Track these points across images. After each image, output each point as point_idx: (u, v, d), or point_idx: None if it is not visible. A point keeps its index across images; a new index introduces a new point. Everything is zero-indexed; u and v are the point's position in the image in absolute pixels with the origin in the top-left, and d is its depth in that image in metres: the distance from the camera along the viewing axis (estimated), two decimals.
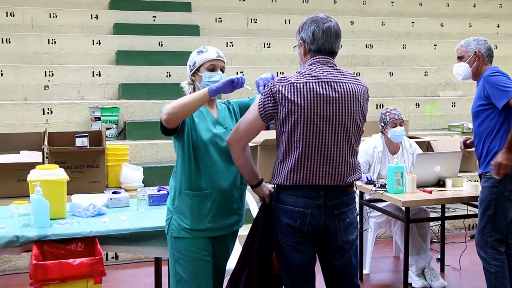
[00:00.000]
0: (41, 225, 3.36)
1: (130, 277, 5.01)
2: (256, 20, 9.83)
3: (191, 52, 3.15)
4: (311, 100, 2.71)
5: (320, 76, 2.76)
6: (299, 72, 2.80)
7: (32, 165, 4.04)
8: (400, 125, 4.88)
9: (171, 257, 3.05)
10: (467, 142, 4.34)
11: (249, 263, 2.93)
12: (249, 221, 3.13)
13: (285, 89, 2.74)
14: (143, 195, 3.86)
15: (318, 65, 2.80)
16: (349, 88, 2.79)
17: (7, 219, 3.58)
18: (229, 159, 2.99)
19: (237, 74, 8.36)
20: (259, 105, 2.80)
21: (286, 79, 2.77)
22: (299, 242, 2.80)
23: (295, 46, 2.96)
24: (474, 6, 11.59)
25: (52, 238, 3.27)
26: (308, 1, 10.56)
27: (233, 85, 2.85)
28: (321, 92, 2.73)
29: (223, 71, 3.09)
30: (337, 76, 2.79)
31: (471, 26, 10.76)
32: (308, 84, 2.73)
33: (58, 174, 3.65)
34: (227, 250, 3.18)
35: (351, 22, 10.25)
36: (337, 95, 2.75)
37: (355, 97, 2.80)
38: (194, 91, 3.09)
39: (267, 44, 9.28)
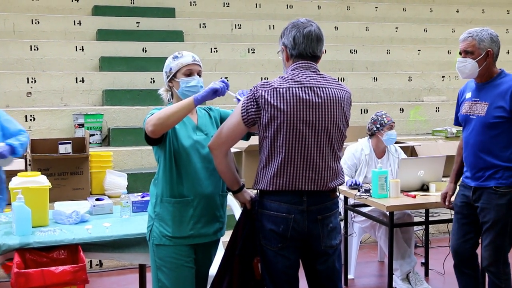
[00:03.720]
0: (23, 233, 3.32)
1: (114, 284, 4.97)
2: (240, 25, 9.84)
3: None
4: (293, 106, 2.72)
5: (303, 81, 2.76)
6: (282, 77, 2.80)
7: (14, 173, 4.00)
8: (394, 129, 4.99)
9: (153, 264, 3.03)
10: (448, 195, 3.92)
11: (230, 269, 2.92)
12: (232, 227, 3.12)
13: (267, 94, 2.73)
14: (127, 202, 3.84)
15: (300, 70, 2.81)
16: (332, 94, 2.79)
17: None
18: (211, 166, 2.98)
19: (221, 78, 8.34)
20: (242, 110, 2.79)
21: (269, 84, 2.77)
22: (282, 247, 2.79)
23: (279, 52, 2.95)
24: (457, 11, 11.70)
25: (34, 246, 3.24)
26: (292, 7, 10.60)
27: (217, 94, 2.86)
28: (304, 97, 2.73)
29: (199, 75, 3.08)
30: (320, 82, 2.79)
31: (454, 31, 10.85)
32: (291, 89, 2.73)
33: (40, 181, 3.62)
34: (210, 256, 3.17)
35: (335, 27, 10.30)
36: (320, 100, 2.75)
37: (338, 102, 2.80)
38: (172, 97, 3.09)
39: (252, 49, 9.29)
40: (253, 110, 2.76)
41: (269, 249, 2.81)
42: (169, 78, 3.07)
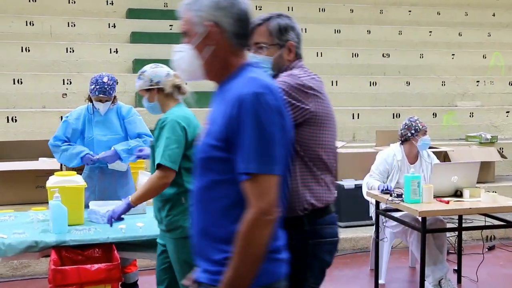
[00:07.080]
0: (59, 231, 3.40)
1: (147, 283, 5.01)
2: None
3: None
4: (328, 99, 2.38)
5: (316, 77, 2.38)
6: (303, 71, 2.36)
7: (50, 172, 4.09)
8: None
9: None
10: None
11: None
12: None
13: (312, 84, 2.29)
14: None
15: (304, 68, 2.40)
16: None
17: (26, 224, 3.63)
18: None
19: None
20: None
21: (306, 74, 2.33)
22: (323, 280, 2.37)
23: (272, 45, 2.37)
24: (494, 15, 11.52)
25: (70, 243, 3.32)
26: (324, 10, 10.55)
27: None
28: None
29: None
30: None
31: (490, 35, 10.70)
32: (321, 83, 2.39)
33: (76, 180, 3.69)
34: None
35: (368, 31, 10.24)
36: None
37: None
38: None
39: None
40: (298, 107, 2.24)
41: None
42: (152, 87, 3.30)
